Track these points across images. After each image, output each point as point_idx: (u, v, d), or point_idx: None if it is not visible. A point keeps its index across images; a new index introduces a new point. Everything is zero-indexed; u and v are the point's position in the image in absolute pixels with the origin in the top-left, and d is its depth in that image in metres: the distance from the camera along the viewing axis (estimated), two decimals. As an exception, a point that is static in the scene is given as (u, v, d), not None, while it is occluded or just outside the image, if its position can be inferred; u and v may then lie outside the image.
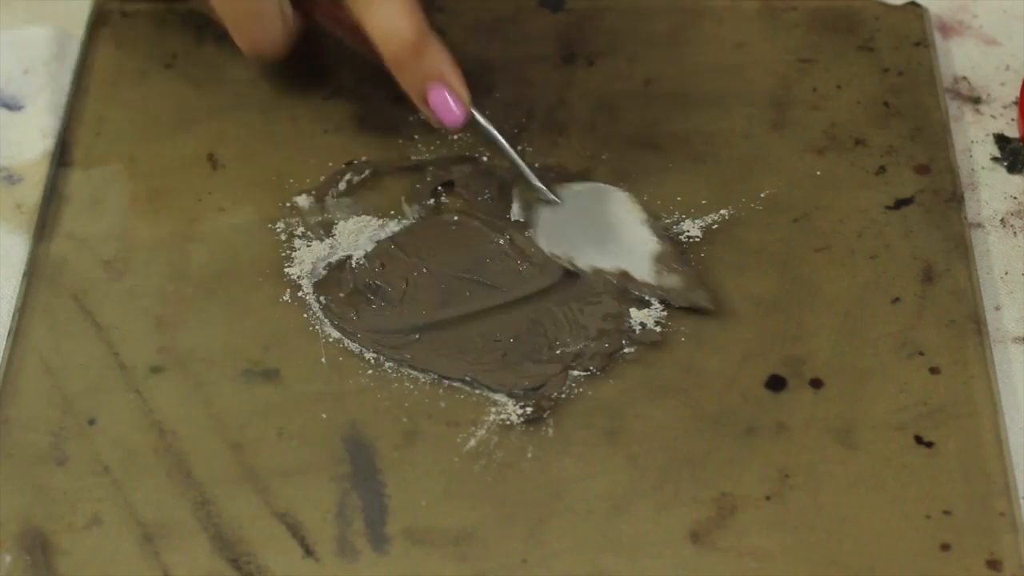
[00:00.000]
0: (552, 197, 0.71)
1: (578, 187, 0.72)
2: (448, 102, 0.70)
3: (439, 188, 0.73)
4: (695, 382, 0.67)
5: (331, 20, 0.74)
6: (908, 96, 0.77)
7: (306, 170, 0.74)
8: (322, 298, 0.69)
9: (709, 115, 0.76)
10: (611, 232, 0.70)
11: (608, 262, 0.70)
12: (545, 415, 0.66)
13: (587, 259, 0.70)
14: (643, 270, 0.69)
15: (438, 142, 0.75)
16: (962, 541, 0.63)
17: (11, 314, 0.69)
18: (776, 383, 0.67)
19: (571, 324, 0.68)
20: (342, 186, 0.74)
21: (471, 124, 0.71)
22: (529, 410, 0.66)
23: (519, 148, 0.73)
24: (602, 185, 0.72)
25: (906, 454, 0.65)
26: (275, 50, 0.72)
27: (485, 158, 0.75)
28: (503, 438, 0.66)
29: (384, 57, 0.70)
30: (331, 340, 0.68)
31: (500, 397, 0.67)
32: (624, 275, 0.69)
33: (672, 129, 0.76)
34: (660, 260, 0.69)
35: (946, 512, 0.63)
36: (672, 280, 0.69)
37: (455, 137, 0.75)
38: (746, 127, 0.76)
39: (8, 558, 0.63)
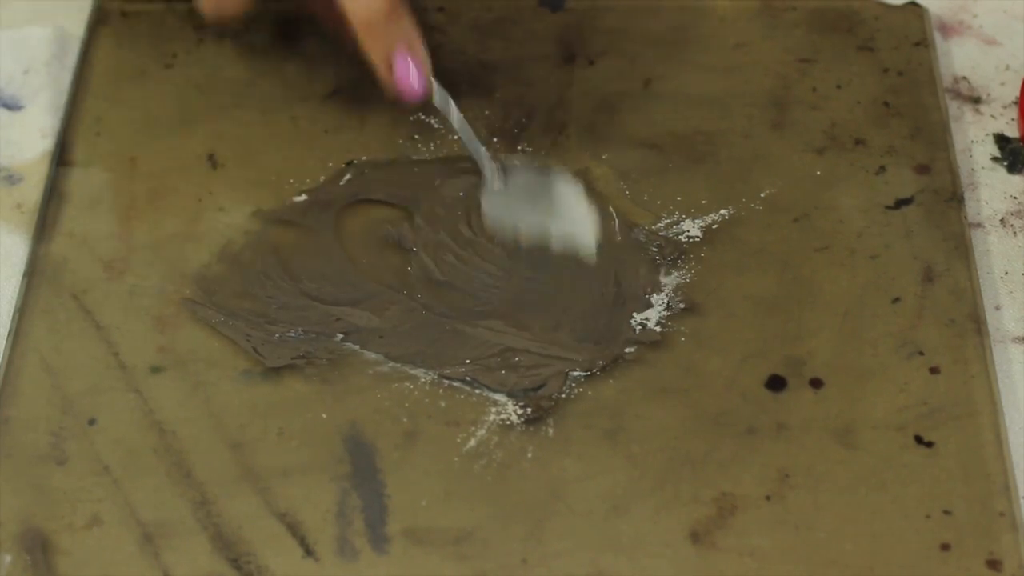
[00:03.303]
0: (499, 184, 0.71)
1: (523, 170, 0.73)
2: (411, 71, 0.69)
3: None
4: (695, 382, 0.67)
5: None
6: (908, 96, 0.77)
7: (306, 170, 0.74)
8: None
9: (709, 115, 0.76)
10: (554, 206, 0.71)
11: (554, 229, 0.71)
12: (545, 415, 0.66)
13: (533, 228, 0.71)
14: (586, 236, 0.71)
15: (438, 141, 0.75)
16: (962, 541, 0.63)
17: (11, 314, 0.69)
18: (776, 383, 0.67)
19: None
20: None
21: (429, 100, 0.71)
22: (529, 410, 0.66)
23: (489, 137, 0.74)
24: (545, 167, 0.73)
25: (906, 454, 0.65)
26: (236, 9, 0.71)
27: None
28: (503, 438, 0.66)
29: (354, 22, 0.69)
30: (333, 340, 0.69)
31: (500, 397, 0.67)
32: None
33: (672, 129, 0.76)
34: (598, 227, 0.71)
35: (946, 512, 0.63)
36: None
37: (455, 136, 0.75)
38: (746, 127, 0.76)
39: (8, 558, 0.63)
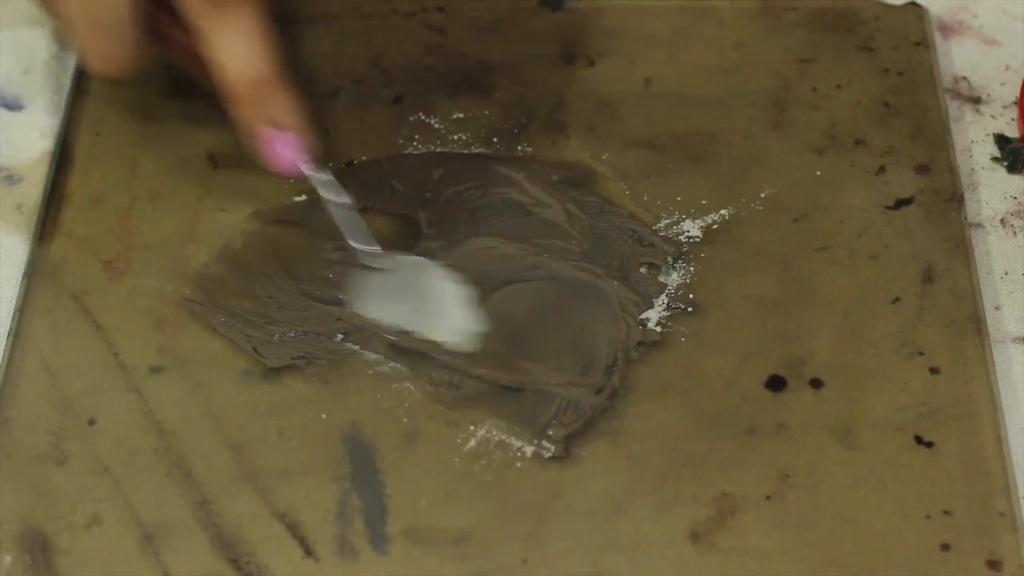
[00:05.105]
0: (376, 263, 0.69)
1: (400, 258, 0.70)
2: (279, 147, 0.68)
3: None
4: (695, 382, 0.67)
5: (172, 45, 0.71)
6: (908, 96, 0.77)
7: (306, 170, 0.74)
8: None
9: (709, 115, 0.76)
10: (430, 304, 0.69)
11: (421, 329, 0.68)
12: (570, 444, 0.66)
13: (403, 325, 0.68)
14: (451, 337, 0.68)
15: (438, 142, 0.75)
16: (962, 541, 0.63)
17: (11, 314, 0.69)
18: (776, 383, 0.67)
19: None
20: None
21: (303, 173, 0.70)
22: (554, 448, 0.65)
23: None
24: (423, 260, 0.70)
25: (906, 454, 0.65)
26: (122, 70, 0.69)
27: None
28: (503, 438, 0.66)
29: (228, 90, 0.68)
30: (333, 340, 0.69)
31: (500, 397, 0.67)
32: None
33: (672, 129, 0.76)
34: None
35: (946, 512, 0.63)
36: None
37: (454, 137, 0.75)
38: (746, 127, 0.76)
39: (8, 558, 0.63)
